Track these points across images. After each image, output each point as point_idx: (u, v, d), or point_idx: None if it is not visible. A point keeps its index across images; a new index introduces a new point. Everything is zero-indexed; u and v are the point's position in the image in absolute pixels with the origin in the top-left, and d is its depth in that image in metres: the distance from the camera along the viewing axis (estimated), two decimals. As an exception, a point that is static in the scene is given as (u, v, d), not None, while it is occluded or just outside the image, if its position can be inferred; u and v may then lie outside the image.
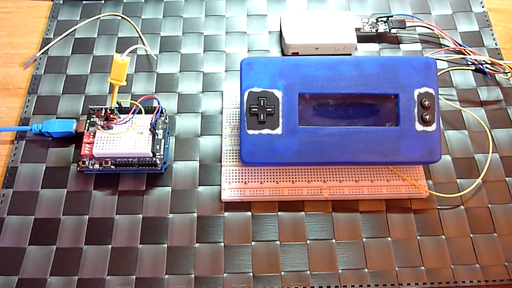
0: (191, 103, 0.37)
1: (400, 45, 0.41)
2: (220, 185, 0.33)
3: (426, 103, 0.30)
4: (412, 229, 0.32)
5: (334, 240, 0.32)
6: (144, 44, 0.40)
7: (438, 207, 0.33)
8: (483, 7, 0.43)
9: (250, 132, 0.30)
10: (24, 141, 0.35)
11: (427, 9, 0.43)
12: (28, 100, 0.37)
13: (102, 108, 0.32)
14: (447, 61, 0.39)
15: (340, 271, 0.31)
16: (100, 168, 0.32)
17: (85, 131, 0.32)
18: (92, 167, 0.32)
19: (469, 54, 0.39)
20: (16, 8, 0.43)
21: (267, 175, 0.33)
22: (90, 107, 0.33)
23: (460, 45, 0.40)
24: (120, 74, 0.31)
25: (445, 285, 0.30)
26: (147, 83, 0.38)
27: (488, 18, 0.42)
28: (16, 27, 0.42)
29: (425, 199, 0.33)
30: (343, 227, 0.32)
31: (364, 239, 0.32)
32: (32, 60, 0.39)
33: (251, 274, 0.30)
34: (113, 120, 0.32)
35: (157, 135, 0.33)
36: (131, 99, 0.37)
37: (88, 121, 0.33)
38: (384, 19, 0.41)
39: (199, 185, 0.34)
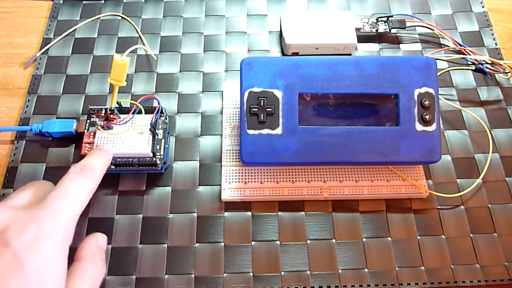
0: (191, 103, 0.37)
1: (400, 45, 0.41)
2: (220, 185, 0.33)
3: (426, 103, 0.30)
4: (412, 229, 0.32)
5: (334, 240, 0.32)
6: (144, 44, 0.40)
7: (438, 207, 0.33)
8: (483, 7, 0.43)
9: (250, 132, 0.30)
10: (24, 141, 0.35)
11: (427, 9, 0.43)
12: (28, 100, 0.37)
13: (102, 108, 0.32)
14: (447, 61, 0.39)
15: (340, 271, 0.31)
16: (100, 168, 0.32)
17: (85, 131, 0.32)
18: (92, 167, 0.32)
19: (469, 54, 0.39)
20: (16, 8, 0.43)
21: (267, 175, 0.33)
22: (90, 107, 0.33)
23: (460, 45, 0.40)
24: (120, 75, 0.31)
25: (445, 285, 0.30)
26: (147, 83, 0.38)
27: (488, 18, 0.42)
28: (16, 27, 0.42)
29: (425, 199, 0.33)
30: (343, 227, 0.32)
31: (364, 239, 0.32)
32: (32, 60, 0.39)
33: (251, 274, 0.30)
34: (113, 120, 0.32)
35: (157, 135, 0.33)
36: (131, 99, 0.37)
37: (88, 121, 0.33)
38: (384, 19, 0.41)
39: (199, 185, 0.34)
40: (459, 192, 0.33)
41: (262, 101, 0.30)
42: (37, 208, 0.21)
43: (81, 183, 0.25)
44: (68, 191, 0.23)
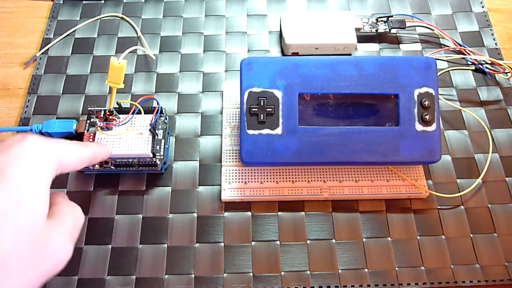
0: (191, 103, 0.37)
1: (400, 45, 0.41)
2: (220, 185, 0.33)
3: (426, 103, 0.30)
4: (412, 229, 0.32)
5: (334, 240, 0.32)
6: (142, 45, 0.40)
7: (438, 207, 0.33)
8: (483, 7, 0.43)
9: (250, 132, 0.30)
10: (24, 141, 0.35)
11: (427, 9, 0.43)
12: (28, 100, 0.37)
13: (101, 109, 0.32)
14: (447, 61, 0.39)
15: (340, 271, 0.31)
16: (101, 168, 0.32)
17: (85, 131, 0.32)
18: (92, 168, 0.32)
19: (469, 54, 0.39)
20: (16, 8, 0.43)
21: (267, 175, 0.33)
22: (89, 108, 0.33)
23: (460, 45, 0.40)
24: (117, 77, 0.31)
25: (445, 285, 0.30)
26: (147, 83, 0.38)
27: (488, 18, 0.42)
28: (16, 27, 0.42)
29: (425, 199, 0.33)
30: (343, 227, 0.32)
31: (364, 239, 0.32)
32: (32, 59, 0.39)
33: (251, 274, 0.30)
34: (112, 121, 0.32)
35: (157, 136, 0.33)
36: (131, 99, 0.37)
37: (88, 121, 0.33)
38: (384, 19, 0.41)
39: (199, 185, 0.34)
40: (459, 192, 0.33)
41: (262, 101, 0.30)
42: (26, 135, 0.22)
43: (76, 144, 0.26)
44: (60, 140, 0.24)
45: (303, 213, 0.33)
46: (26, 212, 0.20)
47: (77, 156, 0.25)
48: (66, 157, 0.24)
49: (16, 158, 0.21)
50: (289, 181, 0.33)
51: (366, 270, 0.31)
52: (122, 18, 0.42)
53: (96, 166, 0.32)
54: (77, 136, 0.34)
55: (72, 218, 0.23)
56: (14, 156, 0.21)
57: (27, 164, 0.21)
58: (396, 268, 0.31)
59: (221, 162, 0.34)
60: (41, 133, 0.34)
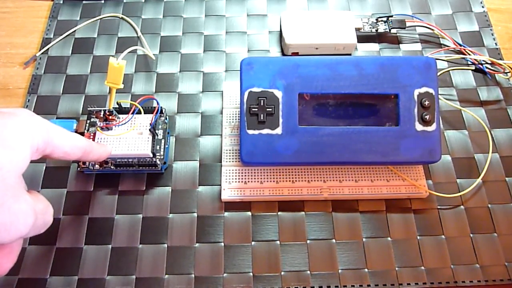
0: (191, 103, 0.37)
1: (400, 45, 0.41)
2: (220, 185, 0.33)
3: (426, 103, 0.30)
4: (412, 229, 0.32)
5: (334, 240, 0.32)
6: (142, 45, 0.40)
7: (438, 207, 0.33)
8: (483, 7, 0.43)
9: (250, 132, 0.30)
10: (24, 141, 0.35)
11: (427, 9, 0.43)
12: (28, 100, 0.37)
13: (101, 109, 0.32)
14: (447, 61, 0.39)
15: (340, 271, 0.31)
16: (101, 168, 0.32)
17: (85, 131, 0.32)
18: (92, 167, 0.32)
19: (469, 54, 0.39)
20: (16, 8, 0.43)
21: (267, 175, 0.33)
22: (89, 108, 0.33)
23: (460, 45, 0.40)
24: (116, 78, 0.31)
25: (445, 285, 0.30)
26: (147, 83, 0.38)
27: (488, 18, 0.42)
28: (16, 27, 0.42)
29: (425, 199, 0.33)
30: (343, 227, 0.32)
31: (364, 239, 0.32)
32: (32, 59, 0.39)
33: (251, 274, 0.30)
34: (112, 121, 0.32)
35: (157, 135, 0.33)
36: (131, 99, 0.37)
37: (88, 121, 0.33)
38: (384, 19, 0.41)
39: (199, 185, 0.34)
40: (459, 192, 0.33)
41: (262, 101, 0.30)
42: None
43: (73, 133, 0.26)
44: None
45: (303, 213, 0.33)
46: (5, 152, 0.20)
47: (70, 141, 0.25)
48: (57, 137, 0.23)
49: (7, 114, 0.21)
50: (289, 181, 0.33)
51: (366, 270, 0.31)
52: (122, 18, 0.42)
53: (96, 166, 0.32)
54: (77, 136, 0.34)
55: (44, 207, 0.23)
56: (5, 113, 0.21)
57: (16, 122, 0.21)
58: (396, 268, 0.31)
59: (221, 162, 0.34)
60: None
